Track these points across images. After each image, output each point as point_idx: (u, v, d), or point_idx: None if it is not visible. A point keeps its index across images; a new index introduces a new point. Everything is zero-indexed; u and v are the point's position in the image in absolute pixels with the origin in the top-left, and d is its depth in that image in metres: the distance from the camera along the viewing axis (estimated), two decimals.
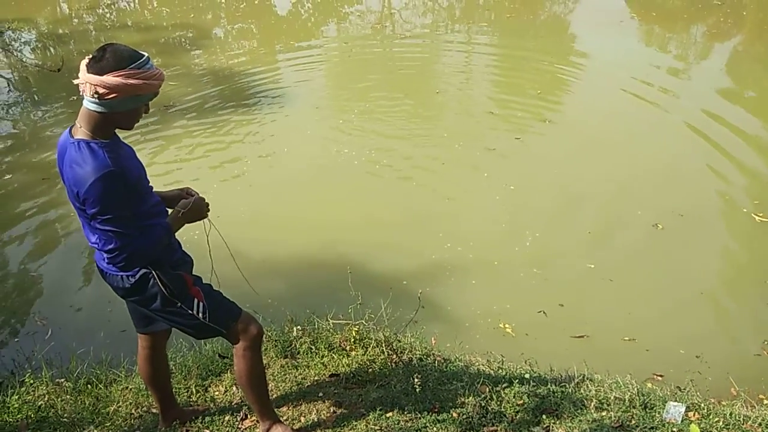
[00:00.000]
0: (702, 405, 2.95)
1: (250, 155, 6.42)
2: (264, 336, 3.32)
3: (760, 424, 2.77)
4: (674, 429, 2.72)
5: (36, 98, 8.24)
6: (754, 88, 7.83)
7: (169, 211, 2.36)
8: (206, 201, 2.40)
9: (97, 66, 1.93)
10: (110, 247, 2.06)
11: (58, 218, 5.51)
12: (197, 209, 2.36)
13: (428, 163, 6.18)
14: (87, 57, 1.98)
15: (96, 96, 1.94)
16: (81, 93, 1.98)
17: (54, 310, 4.38)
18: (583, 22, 10.94)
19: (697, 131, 6.69)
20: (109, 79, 1.92)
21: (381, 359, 3.25)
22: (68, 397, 3.07)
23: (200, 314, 2.30)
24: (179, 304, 2.27)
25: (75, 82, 1.99)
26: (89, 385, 3.19)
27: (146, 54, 2.03)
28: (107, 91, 1.93)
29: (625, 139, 6.53)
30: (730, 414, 2.85)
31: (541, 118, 7.10)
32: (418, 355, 3.35)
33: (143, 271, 2.19)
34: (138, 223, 2.10)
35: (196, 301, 2.30)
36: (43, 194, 5.86)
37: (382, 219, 5.31)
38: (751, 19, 10.95)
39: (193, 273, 2.42)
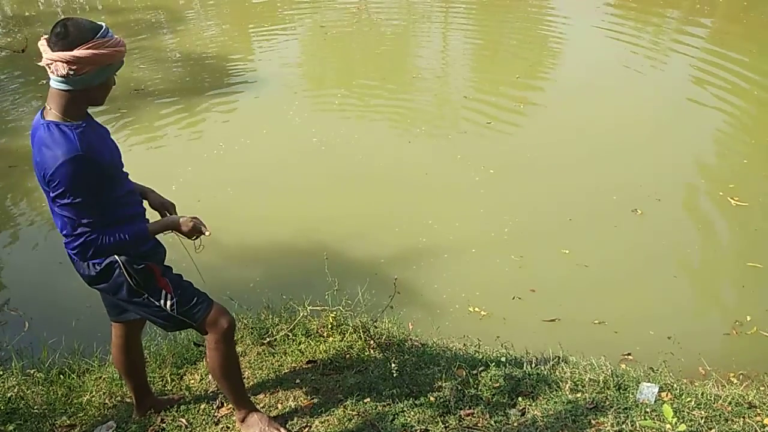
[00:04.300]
0: (674, 385, 3.01)
1: (225, 140, 6.33)
2: (238, 324, 3.31)
3: (730, 403, 2.83)
4: (647, 409, 2.76)
5: (1, 82, 8.00)
6: (731, 71, 7.91)
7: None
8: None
9: (64, 42, 1.87)
10: (66, 232, 2.01)
11: (26, 206, 5.38)
12: (192, 228, 2.24)
13: (407, 150, 6.16)
14: (44, 37, 1.92)
15: (71, 72, 1.88)
16: (51, 73, 1.91)
17: (24, 300, 4.29)
18: (561, 7, 10.94)
19: (674, 116, 6.76)
20: (81, 52, 1.87)
21: (358, 345, 3.24)
22: (39, 388, 3.01)
23: (168, 307, 2.24)
24: (146, 296, 2.22)
25: (41, 63, 1.91)
26: (61, 376, 3.13)
27: (103, 23, 1.97)
28: (81, 65, 1.88)
29: (602, 124, 6.57)
30: (702, 394, 2.90)
31: (520, 103, 7.11)
32: (395, 341, 3.35)
33: (109, 259, 2.14)
34: (105, 212, 2.03)
35: (164, 292, 2.24)
36: (10, 182, 5.72)
37: (358, 205, 5.29)
38: (723, 3, 11.06)
39: (165, 263, 2.37)
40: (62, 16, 11.11)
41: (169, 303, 2.24)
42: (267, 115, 6.90)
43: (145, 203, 2.38)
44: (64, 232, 2.01)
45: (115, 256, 2.14)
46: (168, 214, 2.38)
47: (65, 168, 1.89)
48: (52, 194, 1.95)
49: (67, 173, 1.89)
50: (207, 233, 2.25)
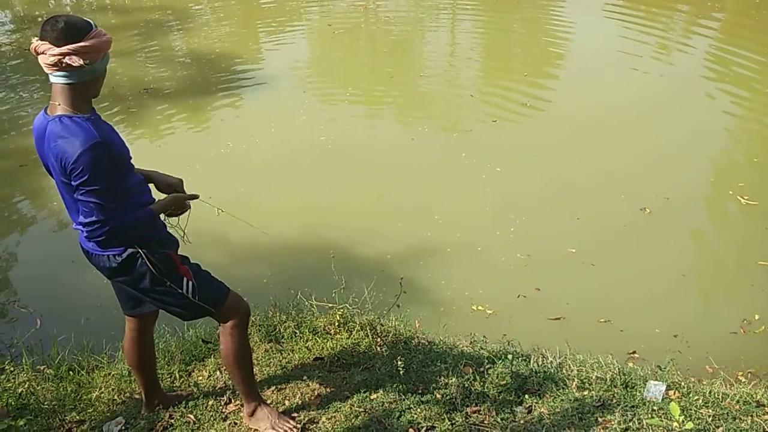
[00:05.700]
0: (682, 384, 3.00)
1: (233, 138, 6.35)
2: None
3: (738, 402, 2.82)
4: (655, 407, 2.76)
5: (11, 82, 8.05)
6: (742, 67, 7.86)
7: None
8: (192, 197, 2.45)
9: (69, 35, 1.92)
10: (91, 219, 2.03)
11: (37, 204, 5.42)
12: (180, 204, 2.40)
13: (414, 147, 6.16)
14: (36, 39, 1.95)
15: (86, 63, 1.94)
16: (57, 69, 1.94)
17: (35, 297, 4.33)
18: (569, 4, 10.90)
19: (683, 114, 6.73)
20: (90, 42, 1.96)
21: (365, 342, 3.25)
22: (49, 384, 3.04)
23: (189, 293, 2.28)
24: (168, 283, 2.25)
25: (51, 60, 1.92)
26: (71, 372, 3.16)
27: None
28: (92, 54, 1.97)
29: (611, 122, 6.54)
30: (709, 392, 2.90)
31: (527, 101, 7.09)
32: (402, 338, 3.36)
33: (130, 250, 2.16)
34: (122, 200, 2.08)
35: (185, 279, 2.28)
36: (20, 181, 5.76)
37: (365, 203, 5.30)
38: (733, 0, 10.99)
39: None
40: None
41: (191, 290, 2.28)
42: (275, 113, 6.91)
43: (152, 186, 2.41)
44: (91, 219, 2.03)
45: (136, 246, 2.16)
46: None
47: (87, 155, 1.93)
48: (74, 183, 1.98)
49: (89, 159, 1.93)
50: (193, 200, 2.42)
